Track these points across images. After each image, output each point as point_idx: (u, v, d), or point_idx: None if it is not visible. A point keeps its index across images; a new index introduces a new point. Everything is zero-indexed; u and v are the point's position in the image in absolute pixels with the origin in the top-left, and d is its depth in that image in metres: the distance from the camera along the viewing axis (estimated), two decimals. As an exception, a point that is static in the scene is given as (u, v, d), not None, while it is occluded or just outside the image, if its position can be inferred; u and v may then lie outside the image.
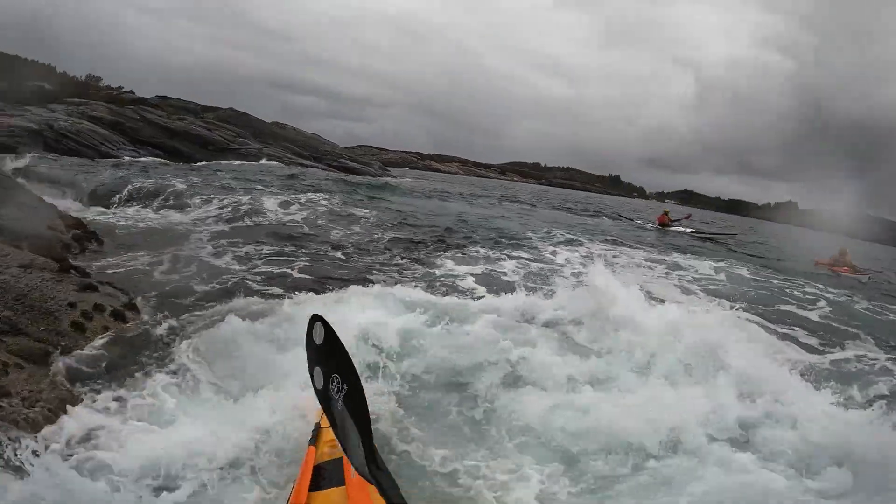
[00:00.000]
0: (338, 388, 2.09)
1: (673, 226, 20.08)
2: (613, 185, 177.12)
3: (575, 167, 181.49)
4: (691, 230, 19.76)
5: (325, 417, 3.02)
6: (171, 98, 36.59)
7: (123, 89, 38.37)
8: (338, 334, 2.20)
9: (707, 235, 19.55)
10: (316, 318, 2.29)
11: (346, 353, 2.13)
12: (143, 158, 22.81)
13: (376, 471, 1.87)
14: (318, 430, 3.05)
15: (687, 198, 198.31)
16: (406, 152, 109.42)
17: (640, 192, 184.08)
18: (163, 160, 23.52)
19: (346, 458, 2.33)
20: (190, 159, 25.51)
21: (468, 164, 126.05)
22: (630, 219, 23.90)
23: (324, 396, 2.20)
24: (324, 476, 2.40)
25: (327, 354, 2.20)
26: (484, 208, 19.62)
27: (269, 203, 11.43)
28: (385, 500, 1.62)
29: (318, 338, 2.23)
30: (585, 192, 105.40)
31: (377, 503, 2.00)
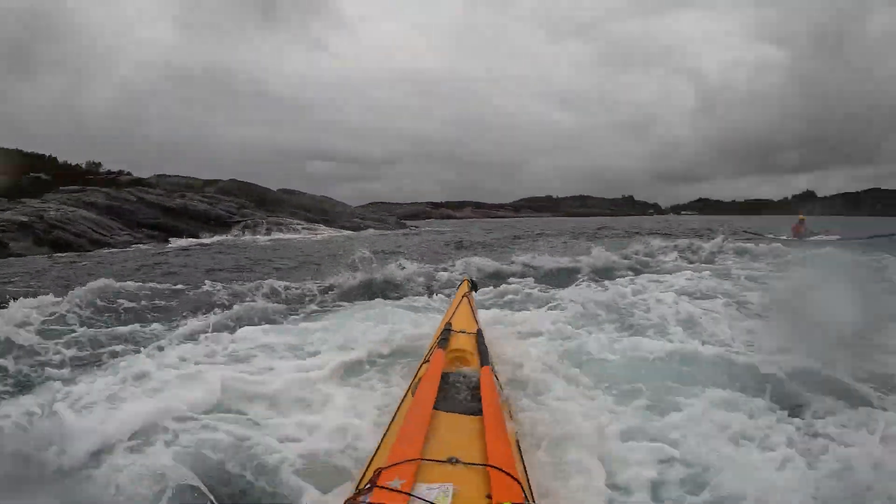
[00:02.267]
0: None
1: (809, 237, 17.63)
2: (627, 205, 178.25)
3: (587, 194, 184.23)
4: (837, 237, 17.46)
5: (455, 318, 3.35)
6: (169, 176, 35.83)
7: (123, 172, 37.73)
8: None
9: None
10: None
11: None
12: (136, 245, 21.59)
13: None
14: (448, 331, 3.02)
15: (702, 206, 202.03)
16: (418, 203, 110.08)
17: (655, 209, 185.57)
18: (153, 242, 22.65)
19: (482, 377, 2.41)
20: (192, 237, 24.60)
21: (482, 206, 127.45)
22: (759, 234, 20.45)
23: None
24: (453, 391, 2.30)
25: None
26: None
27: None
28: None
29: None
30: (600, 217, 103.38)
31: (512, 445, 1.94)
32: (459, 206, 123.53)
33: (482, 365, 2.52)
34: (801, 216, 18.81)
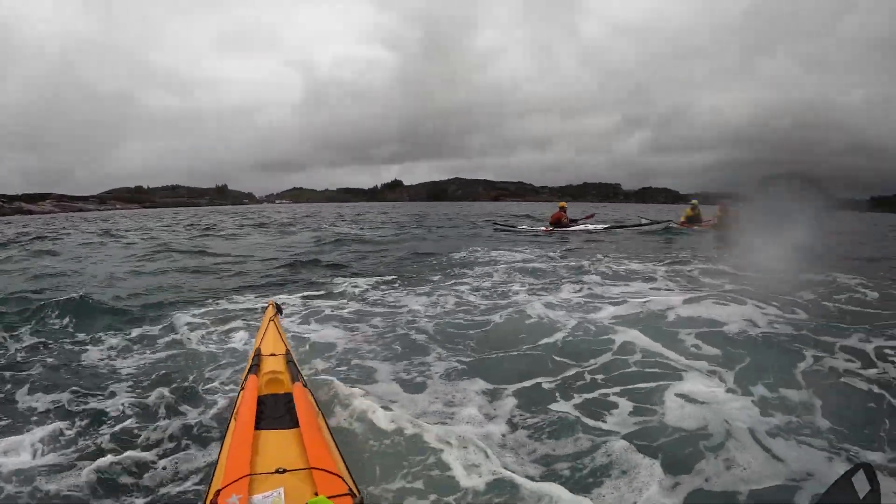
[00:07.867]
0: None
1: (571, 226, 17.82)
2: (221, 194, 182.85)
3: (181, 184, 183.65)
4: (603, 226, 18.43)
5: (264, 343, 3.42)
6: None
7: None
8: None
9: (623, 226, 18.83)
10: None
11: None
12: None
13: None
14: (259, 356, 3.11)
15: (298, 194, 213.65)
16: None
17: (249, 198, 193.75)
18: None
19: (295, 393, 2.58)
20: None
21: (64, 199, 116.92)
22: (514, 227, 20.49)
23: None
24: (270, 413, 2.44)
25: None
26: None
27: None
28: None
29: None
30: (195, 208, 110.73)
31: (331, 447, 2.16)
32: (39, 198, 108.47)
33: (294, 382, 2.72)
34: (562, 204, 18.62)
